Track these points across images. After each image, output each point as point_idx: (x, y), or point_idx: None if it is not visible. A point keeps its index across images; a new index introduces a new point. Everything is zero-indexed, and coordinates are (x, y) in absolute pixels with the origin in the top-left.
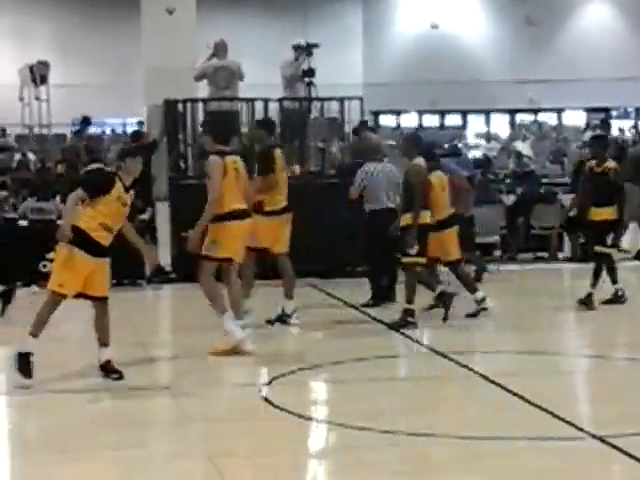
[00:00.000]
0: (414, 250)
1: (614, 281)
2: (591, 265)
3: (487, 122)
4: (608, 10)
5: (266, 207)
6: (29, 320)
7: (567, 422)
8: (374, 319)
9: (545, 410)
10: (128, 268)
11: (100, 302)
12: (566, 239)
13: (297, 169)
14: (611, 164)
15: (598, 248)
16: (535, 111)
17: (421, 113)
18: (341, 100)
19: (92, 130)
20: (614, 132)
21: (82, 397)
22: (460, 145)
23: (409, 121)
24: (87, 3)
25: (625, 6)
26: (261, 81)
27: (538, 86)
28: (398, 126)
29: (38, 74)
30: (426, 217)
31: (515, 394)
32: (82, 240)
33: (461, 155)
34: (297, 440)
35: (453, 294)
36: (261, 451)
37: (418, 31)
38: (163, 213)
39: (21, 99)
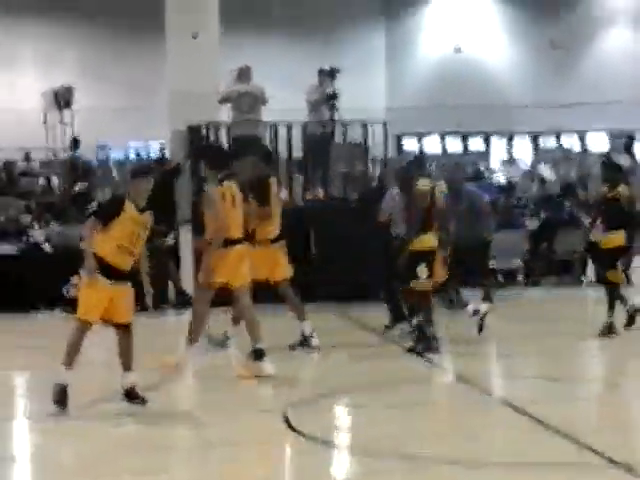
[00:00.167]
0: (424, 274)
1: (625, 303)
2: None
3: (510, 146)
4: (631, 34)
5: (257, 236)
6: (52, 345)
7: (592, 450)
8: (396, 343)
9: (570, 437)
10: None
11: (124, 328)
12: (590, 264)
13: (320, 193)
14: (623, 190)
15: (610, 275)
16: (558, 135)
17: (444, 137)
18: (364, 124)
19: (115, 153)
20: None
21: (106, 422)
22: (483, 169)
23: (432, 145)
24: (111, 27)
25: None
26: (284, 105)
27: (561, 110)
28: (421, 150)
29: (62, 98)
30: (430, 240)
31: (539, 420)
32: (100, 266)
33: (484, 179)
34: (319, 466)
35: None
36: (284, 477)
37: (441, 55)
38: (186, 237)
39: (45, 123)
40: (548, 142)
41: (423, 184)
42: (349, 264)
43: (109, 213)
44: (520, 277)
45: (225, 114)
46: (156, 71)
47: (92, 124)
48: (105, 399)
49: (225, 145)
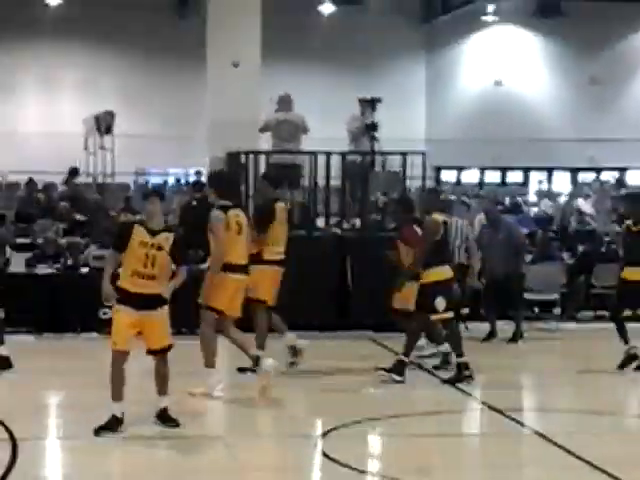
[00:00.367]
0: (442, 306)
1: (626, 342)
2: None
3: (549, 180)
4: None
5: (264, 256)
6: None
7: None
8: (430, 372)
9: (605, 472)
10: (186, 317)
11: (159, 354)
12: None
13: (357, 222)
14: None
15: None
16: (597, 170)
17: (483, 169)
18: (403, 155)
19: (155, 179)
20: None
21: (138, 445)
22: (521, 202)
23: (470, 177)
24: (153, 55)
25: None
26: (324, 134)
27: (600, 145)
28: (459, 182)
29: (104, 124)
30: (444, 273)
31: (574, 454)
32: (124, 297)
33: (522, 212)
34: None
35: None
36: None
37: (481, 88)
38: None
39: (85, 148)
40: (587, 177)
41: (435, 216)
42: (386, 292)
43: (118, 240)
44: (556, 310)
45: (266, 143)
46: (197, 100)
47: (132, 151)
48: (139, 422)
49: (262, 172)
